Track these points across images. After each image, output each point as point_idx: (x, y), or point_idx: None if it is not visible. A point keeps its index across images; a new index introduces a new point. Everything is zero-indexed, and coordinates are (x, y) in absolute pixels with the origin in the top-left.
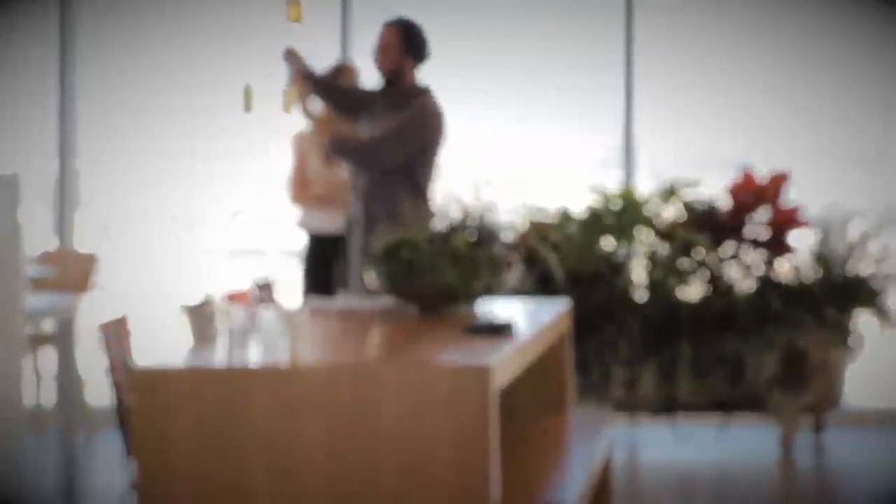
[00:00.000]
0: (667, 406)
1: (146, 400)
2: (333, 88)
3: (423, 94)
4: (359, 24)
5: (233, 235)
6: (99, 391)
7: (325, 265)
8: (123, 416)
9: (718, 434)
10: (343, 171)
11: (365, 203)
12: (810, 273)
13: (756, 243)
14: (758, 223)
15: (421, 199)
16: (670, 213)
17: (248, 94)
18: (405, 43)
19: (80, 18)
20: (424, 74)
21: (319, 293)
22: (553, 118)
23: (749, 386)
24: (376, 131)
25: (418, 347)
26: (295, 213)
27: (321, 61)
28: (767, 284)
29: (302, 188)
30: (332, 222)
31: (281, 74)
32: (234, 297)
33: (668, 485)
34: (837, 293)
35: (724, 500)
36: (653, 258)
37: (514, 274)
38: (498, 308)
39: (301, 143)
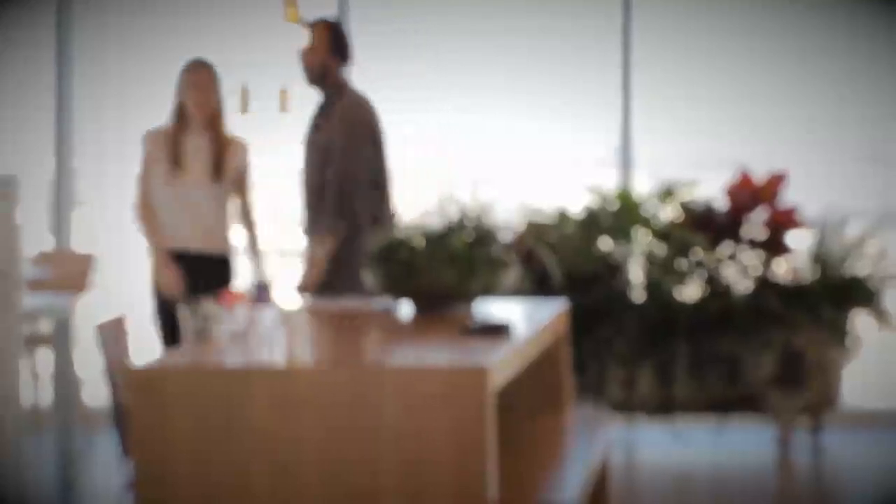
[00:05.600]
0: (664, 406)
1: (143, 400)
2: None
3: (343, 95)
4: (356, 24)
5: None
6: (96, 391)
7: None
8: (121, 416)
9: (716, 434)
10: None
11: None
12: (808, 273)
13: (753, 244)
14: (755, 223)
15: (384, 198)
16: (668, 213)
17: (244, 95)
18: (332, 42)
19: (77, 17)
20: (424, 73)
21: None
22: (551, 118)
23: (746, 386)
24: (317, 142)
25: (416, 348)
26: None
27: None
28: (765, 285)
29: (141, 208)
30: (205, 242)
31: (278, 74)
32: (231, 297)
33: (665, 485)
34: (835, 293)
35: (721, 500)
36: (650, 258)
37: (512, 274)
38: (495, 308)
39: (152, 145)
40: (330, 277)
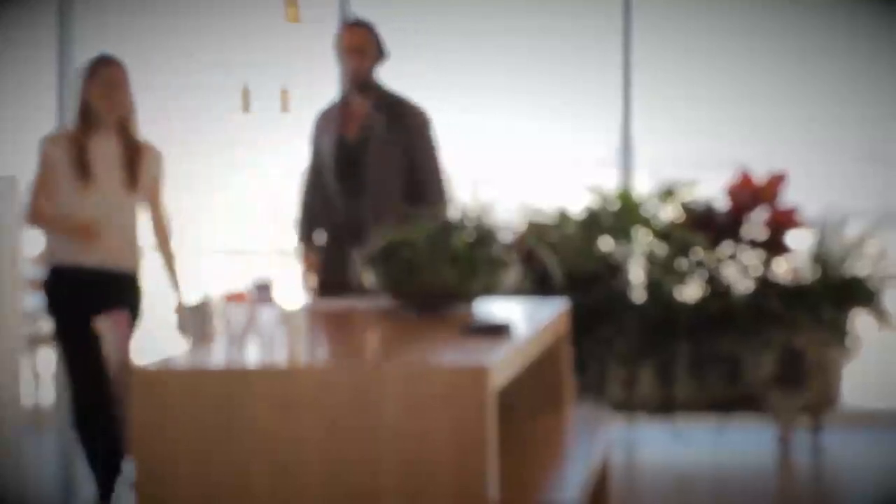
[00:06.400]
0: (665, 406)
1: (145, 399)
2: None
3: (403, 99)
4: None
5: (231, 235)
6: None
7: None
8: (122, 415)
9: (716, 434)
10: (107, 197)
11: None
12: (808, 273)
13: (754, 243)
14: (755, 223)
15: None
16: (668, 213)
17: (245, 94)
18: (379, 45)
19: (77, 17)
20: (424, 73)
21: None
22: (551, 118)
23: (747, 386)
24: (376, 142)
25: (416, 348)
26: (38, 239)
27: (318, 61)
28: (765, 285)
29: (44, 210)
30: (94, 255)
31: (278, 74)
32: (232, 298)
33: (665, 485)
34: (835, 293)
35: (721, 500)
36: (651, 258)
37: (512, 274)
38: (496, 308)
39: (51, 151)
40: None
